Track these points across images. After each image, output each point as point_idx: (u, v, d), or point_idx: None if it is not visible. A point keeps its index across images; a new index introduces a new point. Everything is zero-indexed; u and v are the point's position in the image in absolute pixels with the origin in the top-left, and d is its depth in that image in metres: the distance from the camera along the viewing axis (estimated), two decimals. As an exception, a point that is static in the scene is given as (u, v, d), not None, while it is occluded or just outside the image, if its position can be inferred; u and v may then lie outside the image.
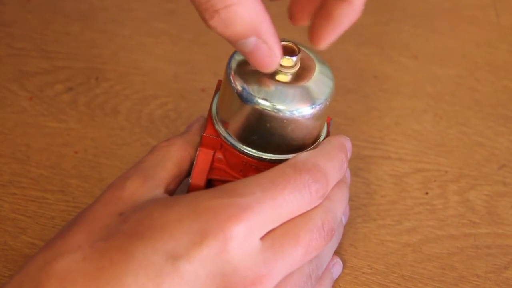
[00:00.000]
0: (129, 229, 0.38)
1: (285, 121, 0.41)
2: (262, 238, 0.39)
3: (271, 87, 0.41)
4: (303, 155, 0.41)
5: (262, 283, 0.38)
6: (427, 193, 0.51)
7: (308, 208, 0.40)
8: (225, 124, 0.43)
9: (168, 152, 0.44)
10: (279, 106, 0.41)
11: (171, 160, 0.43)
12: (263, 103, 0.41)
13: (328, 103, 0.42)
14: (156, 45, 0.59)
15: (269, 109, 0.41)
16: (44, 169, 0.51)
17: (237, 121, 0.43)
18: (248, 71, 0.42)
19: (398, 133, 0.55)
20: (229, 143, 0.43)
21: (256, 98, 0.41)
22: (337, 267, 0.46)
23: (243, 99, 0.41)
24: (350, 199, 0.50)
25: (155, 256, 0.36)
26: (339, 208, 0.43)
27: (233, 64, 0.42)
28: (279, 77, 0.42)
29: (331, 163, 0.42)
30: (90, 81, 0.56)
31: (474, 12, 0.63)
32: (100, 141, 0.52)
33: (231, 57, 0.43)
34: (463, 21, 0.62)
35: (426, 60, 0.59)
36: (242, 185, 0.39)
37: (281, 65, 0.42)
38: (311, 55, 0.44)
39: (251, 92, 0.41)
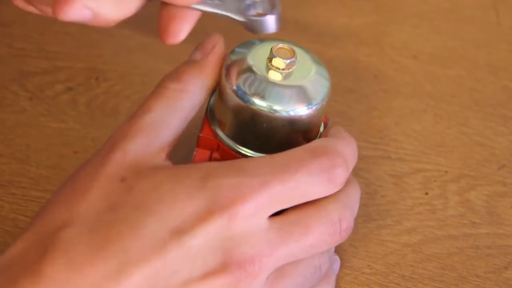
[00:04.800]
0: (135, 200, 0.38)
1: (281, 121, 0.41)
2: (271, 218, 0.39)
3: (267, 87, 0.41)
4: (322, 140, 0.41)
5: (262, 262, 0.38)
6: (427, 193, 0.51)
7: (327, 193, 0.40)
8: (221, 124, 0.43)
9: (178, 101, 0.42)
10: (275, 107, 0.41)
11: (178, 115, 0.41)
12: (259, 104, 0.41)
13: (324, 103, 0.42)
14: (156, 45, 0.59)
15: (265, 109, 0.41)
16: (44, 169, 0.51)
17: (234, 121, 0.42)
18: (244, 71, 0.42)
19: (398, 133, 0.55)
20: (225, 144, 0.43)
21: (252, 99, 0.41)
22: (337, 264, 0.46)
23: (239, 99, 0.41)
24: (350, 199, 0.50)
25: (162, 231, 0.37)
26: (357, 205, 0.43)
27: (229, 64, 0.42)
28: (275, 77, 0.42)
29: (349, 149, 0.41)
30: (90, 81, 0.56)
31: (474, 12, 0.63)
32: (100, 141, 0.52)
33: (228, 58, 0.43)
34: (463, 21, 0.62)
35: (426, 60, 0.59)
36: (254, 165, 0.39)
37: (274, 66, 0.42)
38: (308, 56, 0.43)
39: (247, 92, 0.41)
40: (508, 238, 0.49)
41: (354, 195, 0.43)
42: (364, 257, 0.48)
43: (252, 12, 0.41)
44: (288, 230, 0.39)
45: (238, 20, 0.41)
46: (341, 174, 0.40)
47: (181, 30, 0.40)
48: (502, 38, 0.61)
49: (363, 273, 0.47)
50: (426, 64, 0.59)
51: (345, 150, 0.41)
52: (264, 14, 0.41)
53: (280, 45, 0.42)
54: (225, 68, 0.42)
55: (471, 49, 0.60)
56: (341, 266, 0.47)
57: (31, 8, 0.41)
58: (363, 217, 0.50)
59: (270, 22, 0.41)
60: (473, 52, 0.60)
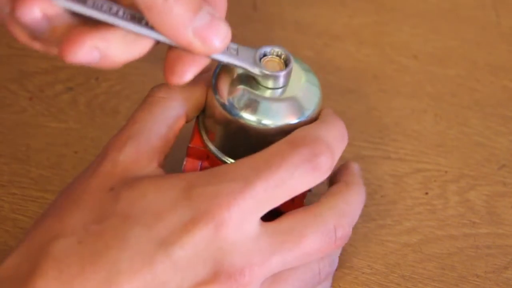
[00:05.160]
0: (122, 210, 0.38)
1: (272, 134, 0.41)
2: (263, 224, 0.38)
3: (257, 102, 0.40)
4: (302, 129, 0.40)
5: (252, 271, 0.38)
6: (427, 193, 0.51)
7: (315, 183, 0.39)
8: (211, 135, 0.43)
9: (164, 109, 0.42)
10: (265, 121, 0.40)
11: (165, 122, 0.41)
12: (248, 117, 0.40)
13: (316, 112, 0.42)
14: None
15: (254, 123, 0.40)
16: (44, 169, 0.51)
17: (223, 133, 0.42)
18: (233, 83, 0.41)
19: (398, 133, 0.55)
20: (215, 155, 0.43)
21: (241, 112, 0.40)
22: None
23: (228, 112, 0.41)
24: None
25: (149, 243, 0.37)
26: (357, 213, 0.42)
27: (219, 75, 0.42)
28: (265, 91, 0.41)
29: (332, 132, 0.40)
30: (90, 81, 0.56)
31: (474, 12, 0.63)
32: (100, 141, 0.52)
33: (217, 67, 0.42)
34: (463, 21, 0.62)
35: (426, 60, 0.59)
36: (235, 169, 0.38)
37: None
38: (297, 64, 0.43)
39: (236, 106, 0.40)
40: (508, 238, 0.49)
41: (355, 201, 0.42)
42: (364, 257, 0.48)
43: (266, 61, 0.41)
44: (280, 238, 0.39)
45: (251, 72, 0.40)
46: (325, 162, 0.39)
47: (188, 71, 0.39)
48: (502, 38, 0.61)
49: (363, 273, 0.47)
50: (426, 64, 0.59)
51: (327, 135, 0.40)
52: (276, 70, 0.41)
53: (270, 57, 0.41)
54: (214, 77, 0.42)
55: (471, 49, 0.60)
56: (341, 266, 0.47)
57: (36, 46, 0.39)
58: (363, 217, 0.50)
59: (281, 78, 0.41)
60: (473, 52, 0.60)
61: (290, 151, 0.39)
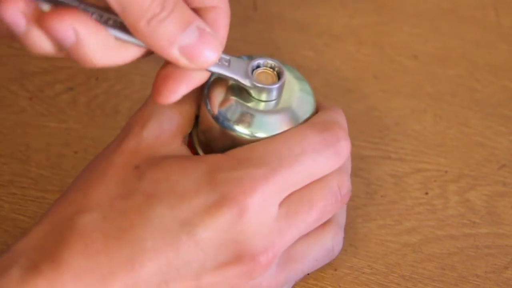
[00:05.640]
0: (147, 188, 0.38)
1: None
2: (279, 204, 0.39)
3: (250, 113, 0.40)
4: (320, 115, 0.41)
5: (274, 249, 0.39)
6: (427, 193, 0.51)
7: (334, 168, 0.40)
8: (207, 147, 0.42)
9: None
10: (259, 134, 0.40)
11: (187, 99, 0.41)
12: (242, 131, 0.40)
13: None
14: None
15: (248, 137, 0.40)
16: (44, 169, 0.51)
17: (218, 146, 0.42)
18: (226, 97, 0.41)
19: (398, 133, 0.55)
20: None
21: (234, 125, 0.40)
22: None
23: (221, 125, 0.40)
24: (350, 199, 0.50)
25: (173, 223, 0.37)
26: (349, 167, 0.43)
27: (211, 88, 0.41)
28: (258, 104, 0.41)
29: (344, 118, 0.42)
30: (90, 81, 0.56)
31: (474, 12, 0.63)
32: (100, 141, 0.52)
33: (208, 80, 0.42)
34: (463, 21, 0.62)
35: (426, 60, 0.59)
36: (259, 154, 0.39)
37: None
38: (289, 72, 0.42)
39: (229, 119, 0.40)
40: (508, 238, 0.49)
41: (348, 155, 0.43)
42: (364, 257, 0.48)
43: (259, 73, 0.41)
44: (294, 211, 0.39)
45: (243, 84, 0.40)
46: (345, 146, 0.40)
47: (174, 91, 0.38)
48: (502, 38, 0.61)
49: (363, 273, 0.47)
50: (426, 64, 0.59)
51: (342, 120, 0.41)
52: (269, 82, 0.41)
53: (262, 69, 0.41)
54: (207, 88, 0.41)
55: (471, 49, 0.60)
56: (341, 266, 0.47)
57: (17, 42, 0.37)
58: (363, 217, 0.50)
59: (274, 91, 0.41)
60: (473, 52, 0.60)
61: (313, 135, 0.40)
